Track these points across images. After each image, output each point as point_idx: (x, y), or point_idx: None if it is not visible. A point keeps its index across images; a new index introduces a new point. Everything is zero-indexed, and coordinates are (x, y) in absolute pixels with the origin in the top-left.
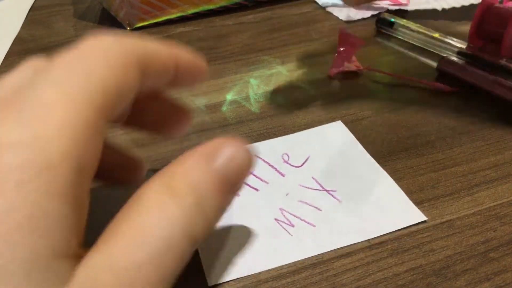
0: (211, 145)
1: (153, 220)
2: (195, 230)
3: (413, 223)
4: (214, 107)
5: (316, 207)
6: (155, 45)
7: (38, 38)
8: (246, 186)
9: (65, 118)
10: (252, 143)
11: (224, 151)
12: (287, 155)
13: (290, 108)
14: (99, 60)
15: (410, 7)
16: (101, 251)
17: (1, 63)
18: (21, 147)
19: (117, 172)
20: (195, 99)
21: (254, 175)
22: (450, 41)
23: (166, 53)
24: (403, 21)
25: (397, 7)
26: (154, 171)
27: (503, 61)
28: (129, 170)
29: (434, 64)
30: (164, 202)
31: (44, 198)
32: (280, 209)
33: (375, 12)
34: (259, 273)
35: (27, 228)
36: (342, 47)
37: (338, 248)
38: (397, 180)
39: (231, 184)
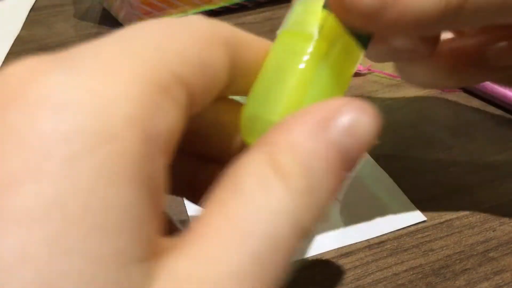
0: (324, 108)
1: (255, 211)
2: (306, 222)
3: (412, 223)
4: None
5: None
6: (246, 34)
7: (39, 38)
8: None
9: (131, 74)
10: None
11: (343, 116)
12: None
13: None
14: (180, 29)
15: None
16: (186, 253)
17: (2, 63)
18: (71, 108)
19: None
20: None
21: None
22: None
23: (258, 45)
24: None
25: None
26: None
27: None
28: None
29: None
30: (269, 186)
31: (103, 182)
32: None
33: None
34: None
35: (80, 228)
36: None
37: (338, 248)
38: (397, 180)
39: (349, 161)
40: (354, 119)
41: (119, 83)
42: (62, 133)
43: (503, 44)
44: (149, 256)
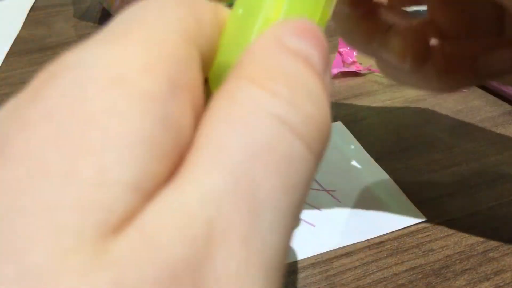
0: (265, 33)
1: (231, 123)
2: (295, 122)
3: (412, 223)
4: None
5: (316, 207)
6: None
7: (39, 38)
8: None
9: (146, 36)
10: None
11: (287, 28)
12: None
13: None
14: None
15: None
16: (170, 189)
17: (1, 63)
18: (87, 66)
19: None
20: None
21: None
22: None
23: (224, 9)
24: None
25: None
26: None
27: None
28: None
29: None
30: (243, 97)
31: (104, 113)
32: None
33: None
34: None
35: (64, 151)
36: (343, 47)
37: (338, 248)
38: (397, 180)
39: (314, 64)
40: (298, 25)
41: (134, 43)
42: (79, 83)
43: (496, 53)
44: (146, 188)
